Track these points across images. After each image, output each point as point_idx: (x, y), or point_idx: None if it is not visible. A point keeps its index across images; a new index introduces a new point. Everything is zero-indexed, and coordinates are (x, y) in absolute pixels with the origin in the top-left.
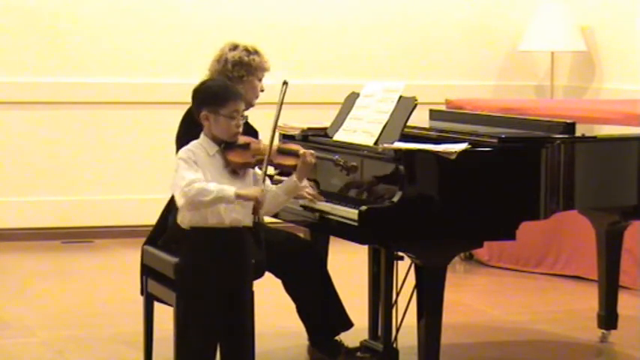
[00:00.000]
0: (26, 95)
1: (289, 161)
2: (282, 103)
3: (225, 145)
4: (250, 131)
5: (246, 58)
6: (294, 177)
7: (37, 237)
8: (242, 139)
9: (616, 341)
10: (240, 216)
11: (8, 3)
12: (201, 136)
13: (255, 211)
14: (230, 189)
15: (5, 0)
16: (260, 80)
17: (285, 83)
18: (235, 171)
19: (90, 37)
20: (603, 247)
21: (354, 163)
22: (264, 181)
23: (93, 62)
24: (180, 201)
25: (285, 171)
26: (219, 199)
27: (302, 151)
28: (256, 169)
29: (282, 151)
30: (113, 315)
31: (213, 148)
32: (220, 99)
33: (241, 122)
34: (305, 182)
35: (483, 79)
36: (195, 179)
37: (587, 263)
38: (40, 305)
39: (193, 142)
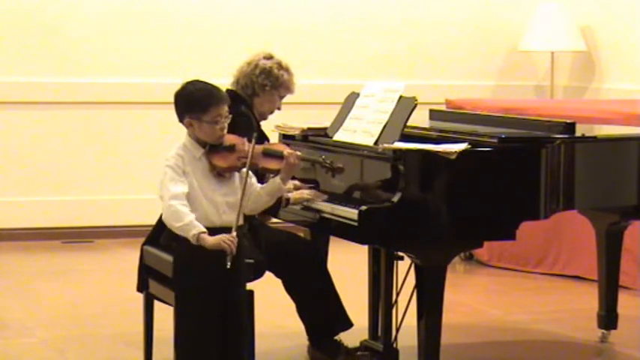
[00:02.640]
0: (26, 95)
1: (274, 165)
2: (251, 156)
3: (210, 148)
4: (261, 136)
5: (275, 71)
6: (277, 179)
7: (37, 237)
8: (227, 140)
9: (616, 341)
10: (230, 217)
11: (8, 3)
12: (186, 137)
13: (225, 259)
14: (197, 229)
15: (5, 0)
16: (281, 98)
17: (253, 136)
18: (221, 174)
19: (89, 37)
20: (603, 247)
21: (340, 165)
22: (245, 184)
23: (93, 62)
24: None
25: (270, 173)
26: (183, 232)
27: (286, 152)
28: (242, 170)
29: (267, 153)
30: (113, 315)
31: (199, 151)
32: (202, 105)
33: (225, 123)
34: (290, 184)
35: (483, 79)
36: (179, 194)
37: (587, 263)
38: (40, 305)
39: (179, 146)
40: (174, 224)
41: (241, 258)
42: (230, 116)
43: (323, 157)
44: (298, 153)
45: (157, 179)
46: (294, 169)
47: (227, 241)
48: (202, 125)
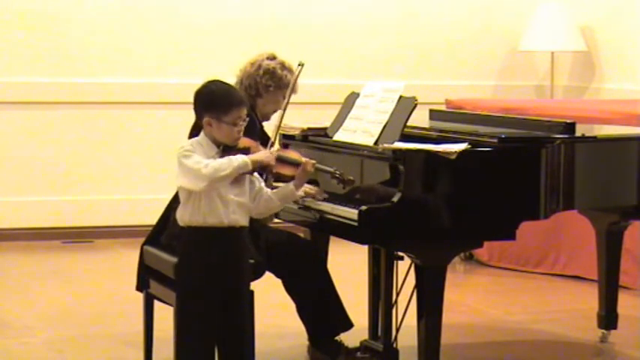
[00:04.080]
0: (26, 95)
1: (287, 171)
2: (295, 83)
3: (225, 148)
4: (264, 137)
5: (279, 72)
6: (291, 185)
7: (37, 237)
8: (242, 143)
9: (616, 341)
10: (238, 216)
11: (8, 3)
12: (202, 135)
13: (267, 172)
14: (241, 157)
15: (5, 0)
16: (284, 98)
17: (300, 65)
18: None
19: (90, 37)
20: (603, 247)
21: (351, 177)
22: (272, 145)
23: (93, 62)
24: (200, 184)
25: (282, 180)
26: (238, 168)
27: (304, 160)
28: (255, 173)
29: (281, 159)
30: (113, 315)
31: (213, 150)
32: (223, 106)
33: (243, 126)
34: (301, 191)
35: (483, 79)
36: (208, 162)
37: (587, 263)
38: (40, 305)
39: (193, 140)
40: (223, 173)
41: (244, 258)
42: (247, 119)
43: (334, 168)
44: (314, 161)
45: (158, 179)
46: (308, 177)
47: (271, 156)
48: (221, 126)
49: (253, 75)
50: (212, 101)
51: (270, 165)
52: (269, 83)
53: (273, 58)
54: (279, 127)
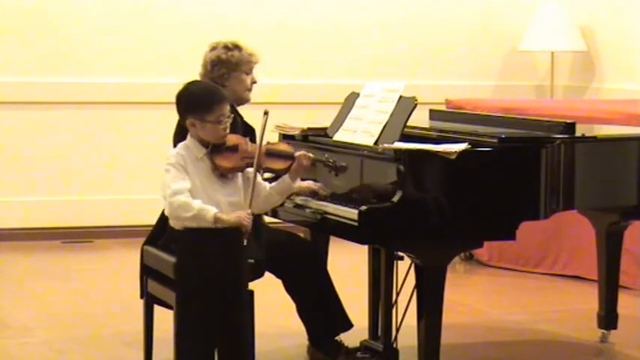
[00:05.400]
0: (26, 95)
1: (279, 165)
2: (263, 133)
3: (213, 148)
4: (247, 129)
5: (223, 56)
6: (287, 178)
7: (37, 237)
8: (231, 140)
9: (616, 341)
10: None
11: (8, 3)
12: (188, 137)
13: (242, 236)
14: (211, 211)
15: (5, 0)
16: (248, 73)
17: (265, 113)
18: (224, 174)
19: (90, 37)
20: (603, 247)
21: (344, 164)
22: (254, 182)
23: (93, 62)
24: (165, 208)
25: (275, 173)
26: (198, 219)
27: (298, 153)
28: (247, 169)
29: (271, 153)
30: (113, 315)
31: (201, 151)
32: (205, 105)
33: (228, 123)
34: (298, 182)
35: (483, 79)
36: (182, 189)
37: (587, 263)
38: (40, 305)
39: (181, 145)
40: (185, 215)
41: (244, 258)
42: (232, 116)
43: (326, 155)
44: (310, 155)
45: (158, 179)
46: (304, 170)
47: (246, 218)
48: (205, 125)
49: (207, 74)
50: (193, 102)
51: (245, 228)
52: (222, 72)
53: (214, 47)
54: (264, 128)
